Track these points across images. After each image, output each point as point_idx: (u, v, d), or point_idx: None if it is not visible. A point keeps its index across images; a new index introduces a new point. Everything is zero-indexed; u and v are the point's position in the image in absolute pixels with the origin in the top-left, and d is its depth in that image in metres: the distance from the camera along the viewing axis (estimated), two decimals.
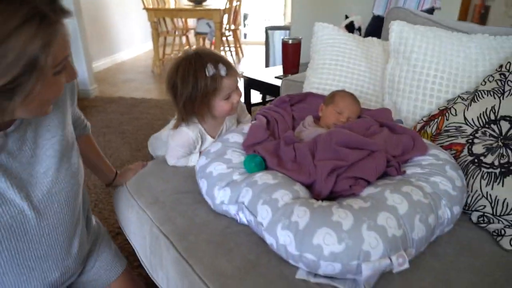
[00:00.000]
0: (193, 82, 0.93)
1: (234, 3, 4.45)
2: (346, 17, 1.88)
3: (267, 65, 3.33)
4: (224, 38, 4.53)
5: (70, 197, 0.73)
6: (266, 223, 0.74)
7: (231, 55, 4.79)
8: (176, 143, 1.05)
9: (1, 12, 0.43)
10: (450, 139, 0.99)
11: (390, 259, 0.66)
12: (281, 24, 5.21)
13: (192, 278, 0.73)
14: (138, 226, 0.94)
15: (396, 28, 1.20)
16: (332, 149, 0.84)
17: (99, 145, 1.03)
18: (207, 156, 0.94)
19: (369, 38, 1.43)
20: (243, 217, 0.82)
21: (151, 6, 4.10)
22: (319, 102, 1.12)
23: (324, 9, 2.63)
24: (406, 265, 0.66)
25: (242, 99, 1.25)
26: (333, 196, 0.82)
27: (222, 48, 4.37)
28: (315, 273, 0.70)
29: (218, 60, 0.94)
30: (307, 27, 1.71)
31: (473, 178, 0.88)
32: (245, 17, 6.36)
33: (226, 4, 4.12)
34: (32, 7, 0.45)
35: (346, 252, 0.65)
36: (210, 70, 0.92)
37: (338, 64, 1.31)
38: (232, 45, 4.94)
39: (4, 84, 0.46)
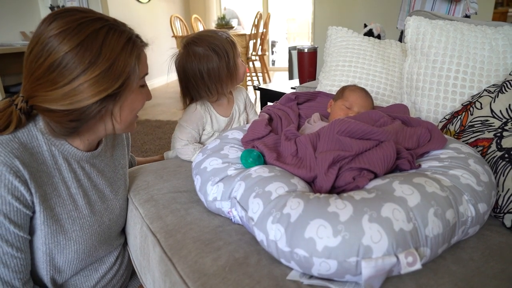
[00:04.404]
0: (223, 52, 1.05)
1: (261, 30, 4.52)
2: (365, 26, 1.82)
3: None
4: (251, 64, 4.57)
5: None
6: (256, 217, 0.66)
7: (258, 80, 4.82)
8: (184, 118, 1.11)
9: (113, 37, 0.66)
10: (475, 134, 0.87)
11: (397, 257, 0.55)
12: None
13: (173, 277, 0.66)
14: (132, 225, 0.89)
15: (412, 24, 1.11)
16: (334, 139, 0.75)
17: None
18: (203, 153, 0.89)
19: (387, 40, 1.35)
20: (236, 215, 0.74)
21: (180, 34, 4.26)
22: (329, 100, 1.05)
23: (345, 25, 2.60)
24: (418, 266, 0.55)
25: (258, 109, 1.28)
26: (336, 192, 0.72)
27: (248, 74, 4.41)
28: (310, 275, 0.60)
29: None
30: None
31: (503, 175, 0.76)
32: (273, 44, 6.45)
33: (252, 29, 4.19)
34: (128, 34, 0.69)
35: (343, 247, 0.55)
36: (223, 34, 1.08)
37: (352, 65, 1.23)
38: (259, 72, 4.98)
39: (117, 87, 0.67)
